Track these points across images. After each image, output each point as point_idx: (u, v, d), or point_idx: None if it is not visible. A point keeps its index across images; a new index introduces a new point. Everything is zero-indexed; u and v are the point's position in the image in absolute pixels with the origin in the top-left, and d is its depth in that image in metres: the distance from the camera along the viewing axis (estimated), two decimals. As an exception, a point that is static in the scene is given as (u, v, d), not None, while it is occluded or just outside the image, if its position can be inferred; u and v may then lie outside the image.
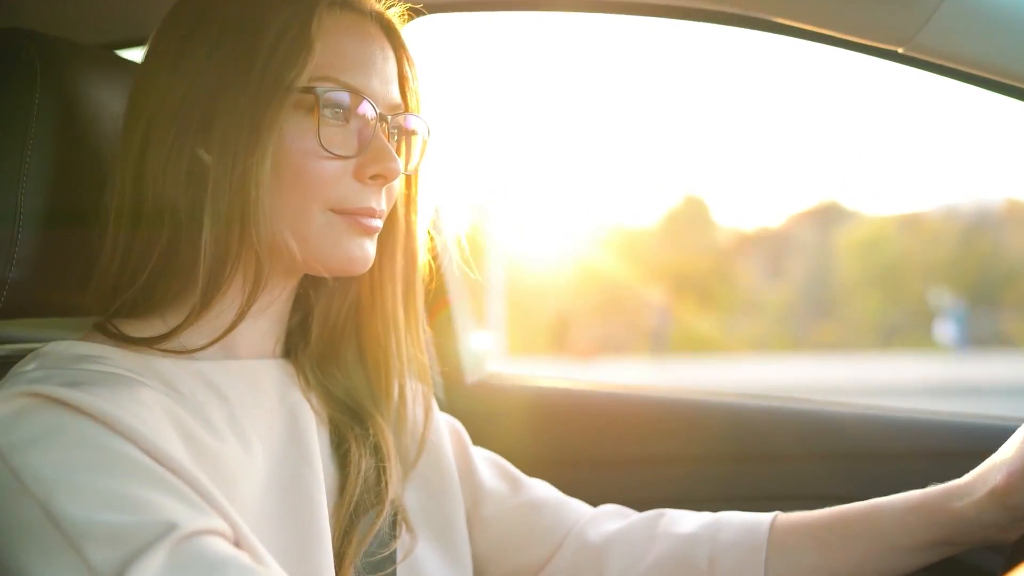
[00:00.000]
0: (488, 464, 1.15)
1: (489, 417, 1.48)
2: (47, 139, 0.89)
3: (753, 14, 1.03)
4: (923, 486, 0.99)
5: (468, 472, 1.12)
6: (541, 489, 1.14)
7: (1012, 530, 0.93)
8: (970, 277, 19.34)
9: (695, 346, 17.74)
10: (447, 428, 1.13)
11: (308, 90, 0.83)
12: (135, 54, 1.40)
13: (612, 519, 1.10)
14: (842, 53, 1.05)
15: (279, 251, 0.86)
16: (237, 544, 0.74)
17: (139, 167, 0.85)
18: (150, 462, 0.72)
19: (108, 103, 0.95)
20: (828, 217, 21.60)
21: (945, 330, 17.96)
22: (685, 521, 1.06)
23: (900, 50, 1.00)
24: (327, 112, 0.84)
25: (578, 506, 1.13)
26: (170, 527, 0.68)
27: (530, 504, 1.11)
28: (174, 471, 0.73)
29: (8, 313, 0.90)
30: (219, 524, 0.73)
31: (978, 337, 17.66)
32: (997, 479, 0.93)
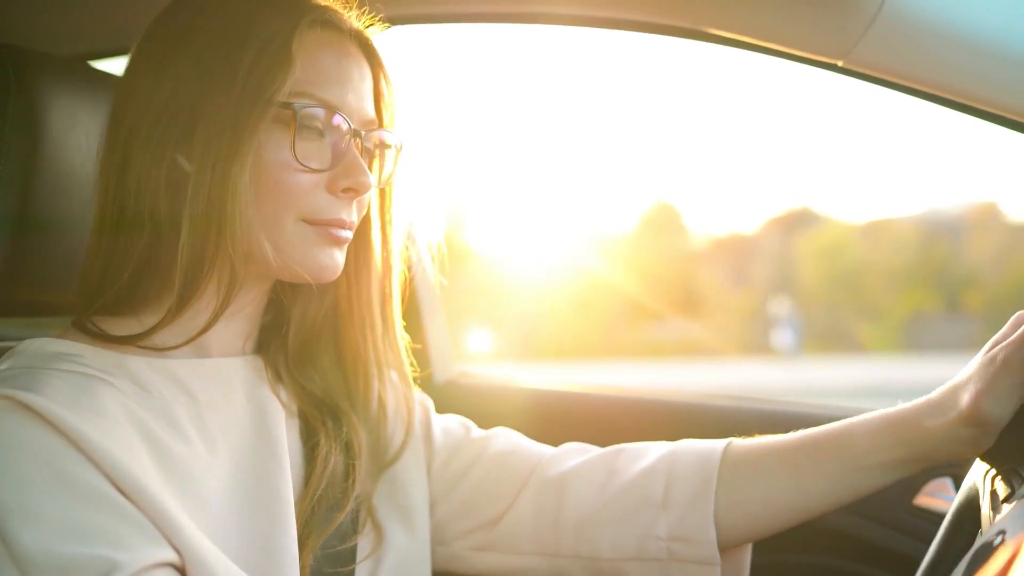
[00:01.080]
0: (451, 427, 1.16)
1: (460, 414, 1.52)
2: (19, 147, 0.92)
3: (699, 28, 1.06)
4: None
5: (428, 441, 1.14)
6: (503, 439, 1.15)
7: (981, 445, 0.94)
8: (928, 282, 19.41)
9: (645, 351, 17.91)
10: (418, 405, 1.15)
11: (286, 105, 0.86)
12: (110, 65, 1.44)
13: (572, 456, 1.11)
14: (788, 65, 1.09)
15: (253, 257, 0.89)
16: (183, 572, 0.78)
17: (121, 172, 0.87)
18: (107, 487, 0.76)
19: (80, 112, 0.98)
20: (801, 223, 21.64)
21: (782, 337, 18.82)
22: (643, 455, 1.08)
23: (839, 63, 1.04)
24: (303, 127, 0.87)
25: (539, 448, 1.14)
26: (112, 566, 0.73)
27: (492, 457, 1.12)
28: (131, 493, 0.77)
29: None
30: (168, 555, 0.77)
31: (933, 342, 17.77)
32: (964, 400, 0.92)
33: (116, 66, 1.46)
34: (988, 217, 20.24)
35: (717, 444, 1.06)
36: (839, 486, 0.99)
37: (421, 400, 1.17)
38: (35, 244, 0.95)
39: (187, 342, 0.89)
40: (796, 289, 20.35)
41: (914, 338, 18.83)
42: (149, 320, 0.90)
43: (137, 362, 0.88)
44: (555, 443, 1.49)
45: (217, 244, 0.85)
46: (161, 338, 0.89)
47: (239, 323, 0.97)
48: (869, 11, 0.97)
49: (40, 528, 0.72)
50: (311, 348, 1.04)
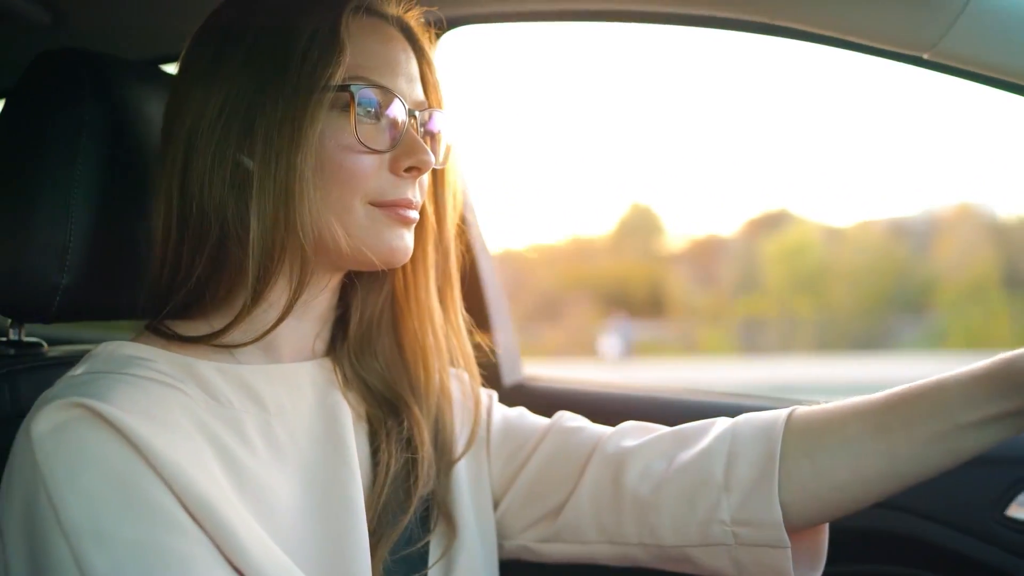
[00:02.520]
0: (510, 416, 1.15)
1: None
2: (95, 151, 0.94)
3: (779, 23, 1.04)
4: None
5: (489, 431, 1.13)
6: (561, 423, 1.13)
7: None
8: (885, 284, 19.11)
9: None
10: (485, 396, 1.14)
11: (343, 88, 0.87)
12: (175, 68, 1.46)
13: (632, 435, 1.08)
14: (851, 60, 1.06)
15: (325, 245, 0.89)
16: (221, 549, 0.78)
17: (184, 175, 0.88)
18: (176, 508, 0.76)
19: (153, 115, 0.99)
20: (778, 225, 21.43)
21: (609, 343, 19.39)
22: (704, 432, 1.03)
23: (924, 56, 1.01)
24: (360, 109, 0.88)
25: (599, 428, 1.11)
26: None
27: (552, 442, 1.10)
28: (198, 512, 0.77)
29: (59, 317, 0.95)
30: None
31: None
32: None
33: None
34: (961, 219, 19.83)
35: (779, 414, 1.00)
36: (934, 450, 0.92)
37: (488, 394, 1.16)
38: (112, 247, 0.96)
39: (260, 338, 0.90)
40: (762, 290, 20.22)
41: (747, 341, 19.04)
42: (219, 322, 0.90)
43: (208, 368, 0.88)
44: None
45: (287, 236, 0.85)
46: (233, 337, 0.89)
47: (308, 323, 0.97)
48: (958, 2, 0.93)
49: (113, 552, 0.73)
50: (372, 339, 1.03)
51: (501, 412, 1.16)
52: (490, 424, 1.13)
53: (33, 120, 0.95)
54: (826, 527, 1.01)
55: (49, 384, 0.83)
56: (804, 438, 0.97)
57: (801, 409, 1.00)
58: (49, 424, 0.76)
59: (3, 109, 0.98)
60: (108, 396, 0.78)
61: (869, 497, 0.96)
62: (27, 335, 1.03)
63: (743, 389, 1.57)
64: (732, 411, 1.47)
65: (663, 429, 1.08)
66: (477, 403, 1.10)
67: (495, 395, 1.17)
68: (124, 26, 1.45)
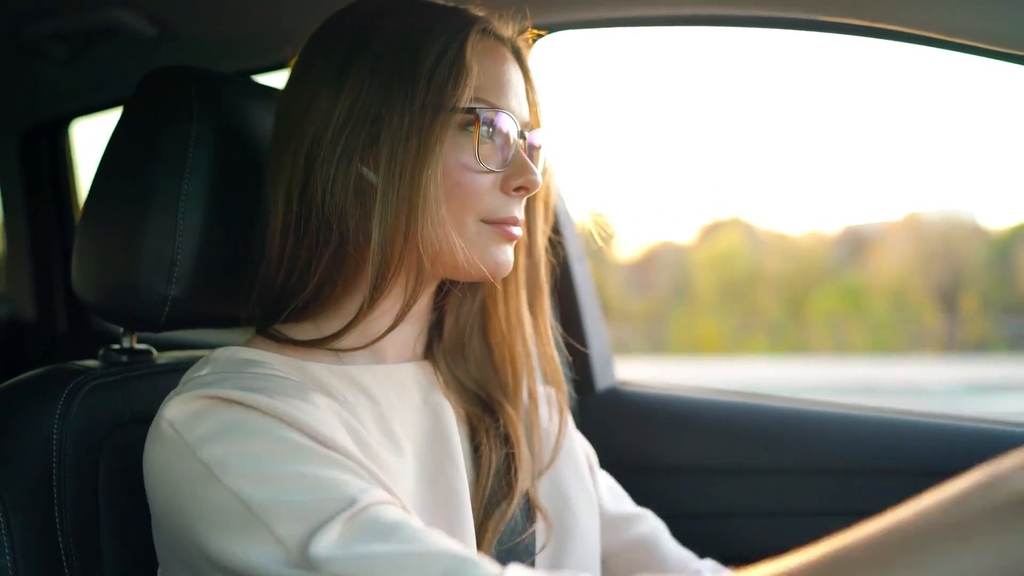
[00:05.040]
0: (611, 486, 1.18)
1: (619, 425, 1.50)
2: (202, 165, 0.97)
3: (886, 27, 1.01)
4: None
5: (595, 487, 1.14)
6: (655, 523, 1.16)
7: None
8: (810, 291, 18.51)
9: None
10: (580, 444, 1.16)
11: (469, 111, 0.89)
12: (266, 79, 1.49)
13: None
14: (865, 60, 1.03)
15: (442, 258, 0.91)
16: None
17: (305, 181, 0.90)
18: (322, 448, 0.79)
19: (255, 128, 1.02)
20: (730, 232, 20.78)
21: None
22: None
23: (1037, 57, 0.97)
24: (482, 130, 0.90)
25: (677, 554, 1.14)
26: (350, 501, 0.75)
27: (652, 536, 1.13)
28: (345, 455, 0.80)
29: (168, 326, 0.99)
30: (391, 497, 0.79)
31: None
32: None
33: (273, 80, 1.52)
34: (906, 230, 19.03)
35: None
36: None
37: (584, 446, 1.18)
38: (217, 258, 0.99)
39: (370, 344, 0.93)
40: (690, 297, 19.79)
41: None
42: (329, 326, 0.93)
43: (319, 368, 0.91)
44: (719, 459, 1.45)
45: (405, 247, 0.88)
46: (346, 342, 0.92)
47: (411, 327, 1.00)
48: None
49: (273, 486, 0.75)
50: (463, 344, 1.06)
51: (609, 479, 1.18)
52: (595, 474, 1.15)
53: (143, 136, 0.99)
54: None
55: (161, 389, 0.87)
56: None
57: None
58: (185, 411, 0.80)
59: (115, 126, 1.02)
60: (239, 388, 0.82)
61: None
62: (137, 341, 1.07)
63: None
64: (820, 418, 1.45)
65: None
66: (563, 411, 1.11)
67: (593, 454, 1.18)
68: (226, 39, 1.49)
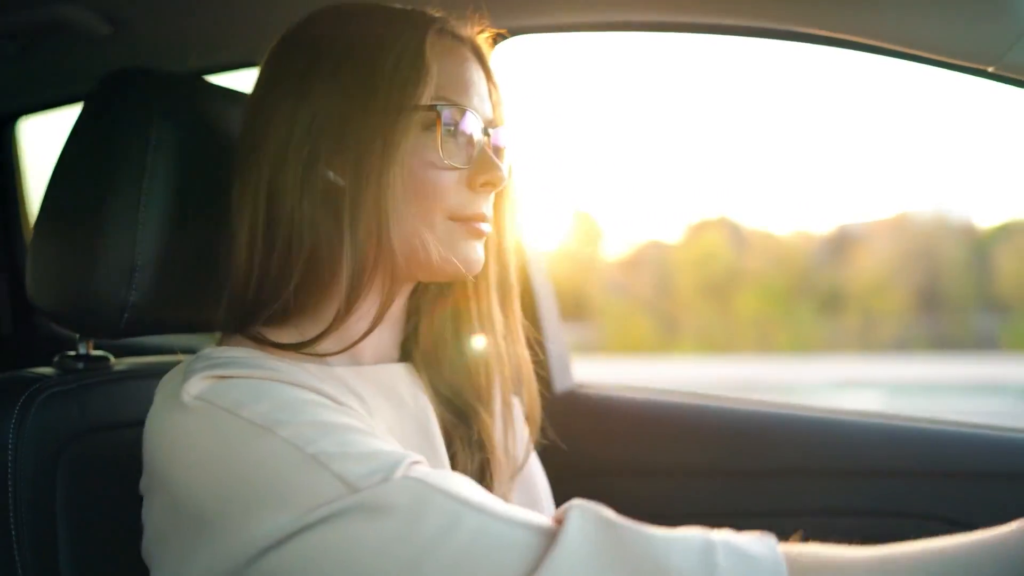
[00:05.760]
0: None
1: (577, 428, 1.50)
2: (162, 169, 0.95)
3: (842, 36, 1.03)
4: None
5: None
6: None
7: None
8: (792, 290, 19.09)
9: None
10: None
11: (430, 108, 0.90)
12: (225, 79, 1.47)
13: None
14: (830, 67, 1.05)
15: (416, 257, 0.92)
16: None
17: (272, 190, 0.90)
18: (336, 406, 0.82)
19: (218, 132, 1.01)
20: (718, 232, 21.16)
21: None
22: None
23: (990, 69, 1.00)
24: (444, 128, 0.91)
25: None
26: (402, 455, 0.77)
27: None
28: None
29: (127, 332, 0.97)
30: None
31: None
32: None
33: (225, 80, 1.50)
34: (895, 229, 19.58)
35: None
36: None
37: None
38: (179, 264, 0.97)
39: (348, 348, 0.92)
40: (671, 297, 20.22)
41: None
42: (309, 330, 0.92)
43: (307, 368, 0.91)
44: (678, 461, 1.47)
45: (379, 250, 0.88)
46: (324, 346, 0.92)
47: (388, 331, 1.00)
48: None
49: (326, 434, 0.77)
50: (437, 349, 1.06)
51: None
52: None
53: (101, 139, 0.97)
54: None
55: (119, 397, 0.86)
56: None
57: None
58: (206, 385, 0.81)
59: (72, 127, 1.00)
60: (246, 367, 0.83)
61: None
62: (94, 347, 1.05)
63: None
64: (778, 420, 1.47)
65: None
66: (533, 411, 1.11)
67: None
68: (183, 38, 1.46)
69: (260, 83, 0.96)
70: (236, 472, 0.77)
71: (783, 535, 1.34)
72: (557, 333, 1.62)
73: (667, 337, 18.74)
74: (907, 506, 1.37)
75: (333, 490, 0.74)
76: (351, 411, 0.83)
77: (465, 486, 0.77)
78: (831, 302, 18.00)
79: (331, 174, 0.89)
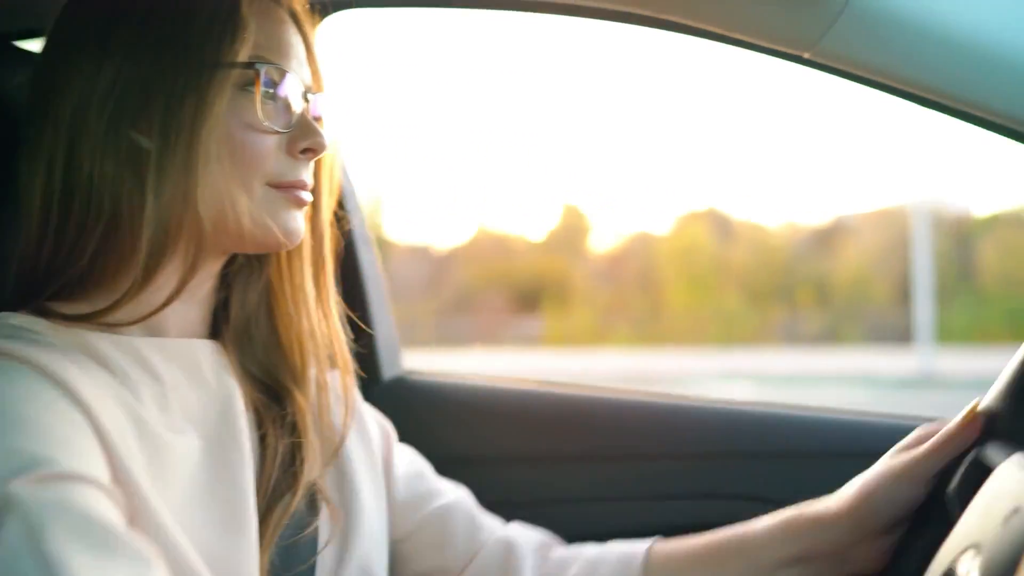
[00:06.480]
0: (409, 464, 1.17)
1: (407, 416, 1.47)
2: None
3: (660, 16, 1.03)
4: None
5: (388, 471, 1.13)
6: (454, 497, 1.16)
7: (859, 546, 0.96)
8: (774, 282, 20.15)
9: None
10: (376, 424, 1.15)
11: (248, 66, 0.86)
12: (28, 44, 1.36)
13: (507, 553, 1.11)
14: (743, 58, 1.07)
15: (225, 226, 0.88)
16: (131, 520, 0.75)
17: (70, 154, 0.85)
18: (83, 419, 0.76)
19: (7, 94, 0.96)
20: (712, 224, 21.97)
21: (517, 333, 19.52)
22: (568, 564, 1.09)
23: (805, 55, 1.02)
24: (263, 89, 0.88)
25: (490, 523, 1.15)
26: (45, 462, 0.70)
27: (444, 513, 1.13)
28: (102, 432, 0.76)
29: None
30: (105, 481, 0.74)
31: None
32: (849, 495, 0.97)
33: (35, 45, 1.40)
34: (882, 222, 20.79)
35: (638, 551, 1.07)
36: None
37: (382, 424, 1.17)
38: None
39: (146, 318, 0.88)
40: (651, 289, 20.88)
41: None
42: (102, 301, 0.87)
43: (100, 340, 0.85)
44: (513, 447, 1.47)
45: (184, 213, 0.84)
46: (117, 317, 0.87)
47: (195, 306, 0.96)
48: (837, 3, 0.94)
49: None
50: (249, 327, 1.02)
51: (409, 455, 1.18)
52: (390, 455, 1.14)
53: None
54: None
55: None
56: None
57: (659, 546, 1.08)
58: None
59: None
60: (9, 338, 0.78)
61: None
62: None
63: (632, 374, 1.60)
64: (610, 405, 1.49)
65: (540, 539, 1.14)
66: (348, 392, 1.07)
67: (393, 430, 1.18)
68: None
69: (53, 40, 0.90)
70: None
71: (605, 520, 1.37)
72: (385, 317, 1.58)
73: (603, 330, 19.04)
74: (739, 488, 1.39)
75: None
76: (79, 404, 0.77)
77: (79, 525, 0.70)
78: (793, 293, 18.48)
79: (137, 136, 0.84)
